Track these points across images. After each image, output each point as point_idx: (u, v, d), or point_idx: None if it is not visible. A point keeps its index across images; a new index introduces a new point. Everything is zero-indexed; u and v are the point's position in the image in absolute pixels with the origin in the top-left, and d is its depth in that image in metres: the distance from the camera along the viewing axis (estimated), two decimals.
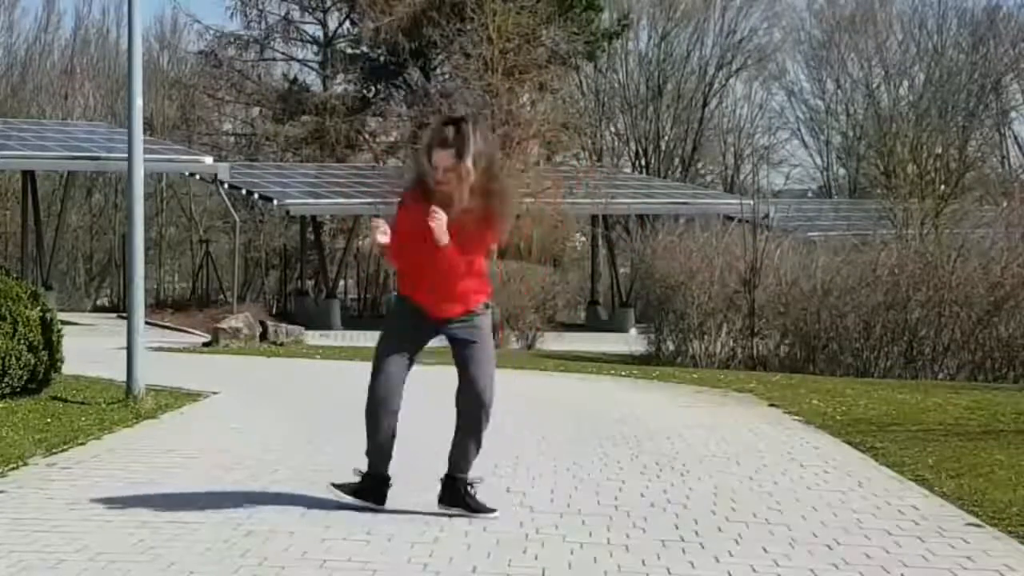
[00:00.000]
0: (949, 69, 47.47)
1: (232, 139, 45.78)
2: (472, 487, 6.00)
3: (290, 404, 10.91)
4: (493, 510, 5.95)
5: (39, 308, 10.43)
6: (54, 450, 7.71)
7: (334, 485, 6.08)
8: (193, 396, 11.03)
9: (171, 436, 8.59)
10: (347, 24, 44.45)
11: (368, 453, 6.02)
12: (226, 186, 32.20)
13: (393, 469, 5.99)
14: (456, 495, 5.96)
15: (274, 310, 37.00)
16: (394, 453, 6.02)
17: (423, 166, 5.87)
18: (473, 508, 5.94)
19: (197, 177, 36.65)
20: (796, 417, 10.14)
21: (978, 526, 5.92)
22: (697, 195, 39.65)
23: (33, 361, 10.10)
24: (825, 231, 32.45)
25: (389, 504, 5.99)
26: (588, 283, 38.30)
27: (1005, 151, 49.63)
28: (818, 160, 53.19)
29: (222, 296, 37.14)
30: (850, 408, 10.67)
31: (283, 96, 43.14)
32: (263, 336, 20.07)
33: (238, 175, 34.02)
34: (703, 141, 50.05)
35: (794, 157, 53.67)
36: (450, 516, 5.84)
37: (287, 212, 34.92)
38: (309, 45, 45.30)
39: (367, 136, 43.88)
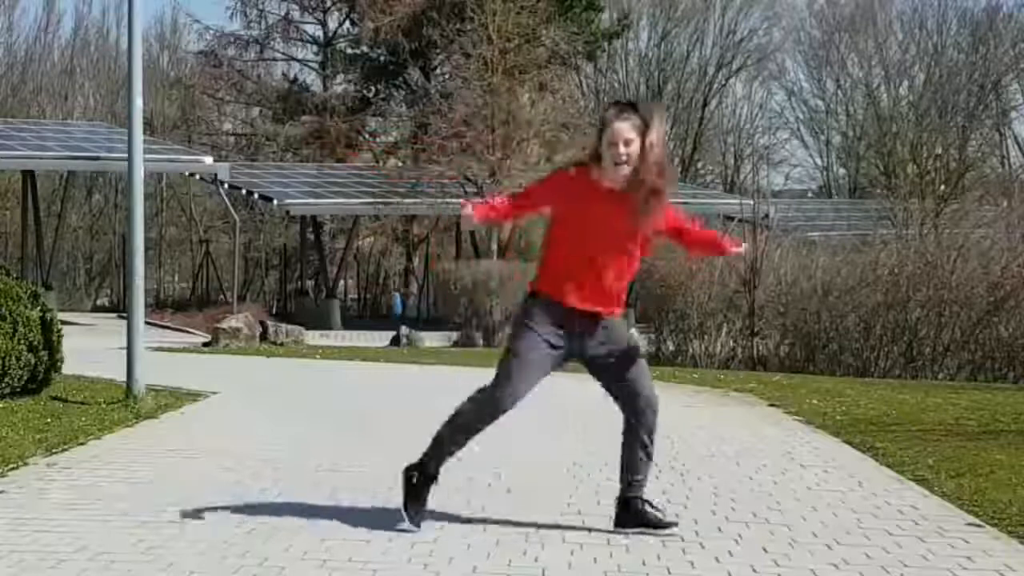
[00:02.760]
0: (949, 69, 47.51)
1: (232, 139, 45.83)
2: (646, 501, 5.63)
3: (290, 404, 10.91)
4: (674, 523, 5.61)
5: (39, 308, 10.43)
6: (54, 450, 7.70)
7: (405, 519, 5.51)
8: (193, 396, 11.03)
9: (171, 436, 8.58)
10: (347, 24, 44.51)
11: (430, 449, 5.58)
12: (226, 186, 32.22)
13: (389, 468, 5.92)
14: (637, 514, 5.60)
15: (274, 310, 37.05)
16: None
17: (591, 149, 5.32)
18: (655, 524, 5.57)
19: (197, 177, 36.69)
20: (796, 417, 10.13)
21: (978, 526, 5.91)
22: (697, 195, 39.68)
23: (33, 361, 10.10)
24: (825, 231, 32.49)
25: (388, 504, 5.97)
26: None
27: (1005, 151, 49.69)
28: (818, 160, 53.29)
29: (222, 296, 37.18)
30: (850, 408, 10.66)
31: (283, 96, 43.17)
32: (263, 336, 20.09)
33: (238, 175, 34.05)
34: (703, 141, 50.08)
35: (794, 157, 53.81)
36: (463, 520, 5.82)
37: (287, 212, 34.95)
38: (309, 45, 45.36)
39: (367, 136, 43.90)
